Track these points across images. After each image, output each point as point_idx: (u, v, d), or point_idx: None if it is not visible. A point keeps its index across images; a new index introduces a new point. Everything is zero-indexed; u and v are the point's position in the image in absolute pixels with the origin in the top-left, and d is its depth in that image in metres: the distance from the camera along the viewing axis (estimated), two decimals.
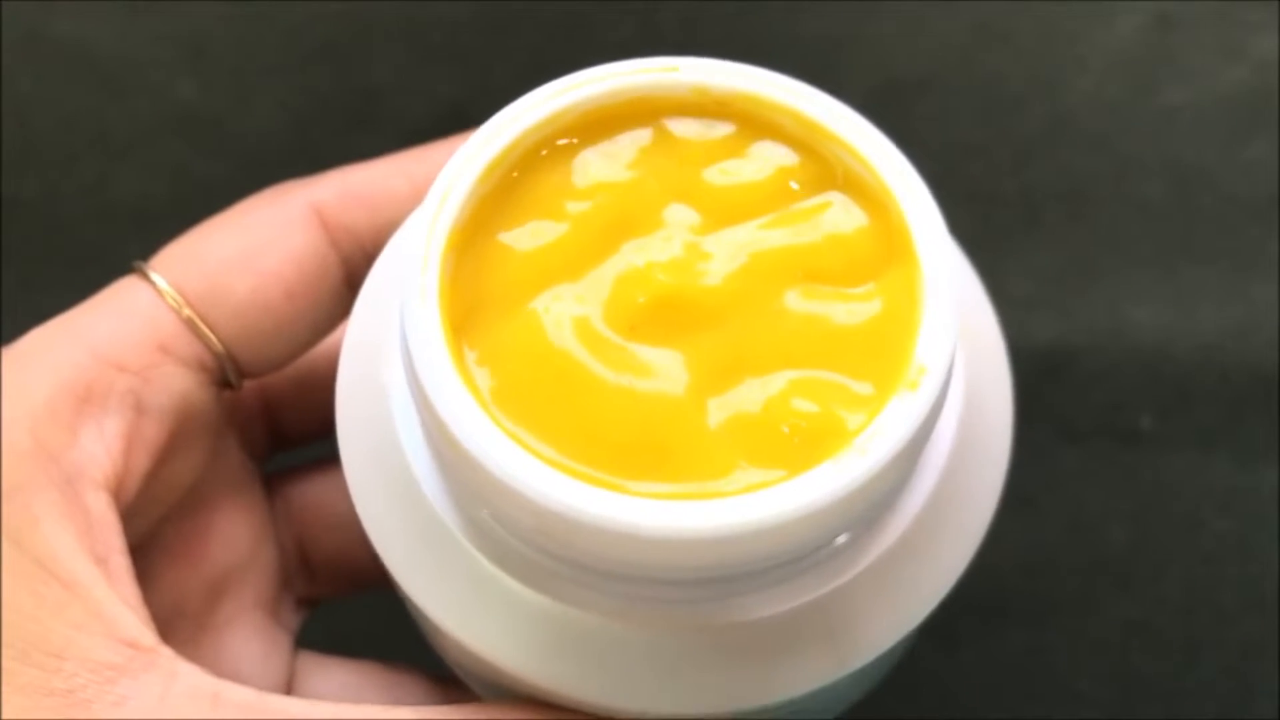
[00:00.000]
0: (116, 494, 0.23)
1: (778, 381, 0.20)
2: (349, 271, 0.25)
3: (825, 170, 0.22)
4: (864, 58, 0.38)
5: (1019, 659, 0.34)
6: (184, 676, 0.21)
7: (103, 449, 0.23)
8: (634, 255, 0.21)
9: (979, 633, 0.34)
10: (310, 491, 0.28)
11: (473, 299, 0.21)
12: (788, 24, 0.38)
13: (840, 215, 0.21)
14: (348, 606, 0.29)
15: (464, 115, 0.29)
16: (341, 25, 0.39)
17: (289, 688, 0.27)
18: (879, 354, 0.20)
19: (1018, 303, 0.36)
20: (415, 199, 0.25)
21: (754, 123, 0.22)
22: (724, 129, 0.22)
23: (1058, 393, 0.36)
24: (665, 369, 0.20)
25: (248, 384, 0.27)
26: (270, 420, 0.28)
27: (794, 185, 0.21)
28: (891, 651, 0.22)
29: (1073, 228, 0.37)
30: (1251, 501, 0.35)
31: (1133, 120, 0.38)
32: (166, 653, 0.21)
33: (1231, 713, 0.33)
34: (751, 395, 0.20)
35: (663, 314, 0.20)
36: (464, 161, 0.21)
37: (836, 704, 0.25)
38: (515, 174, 0.21)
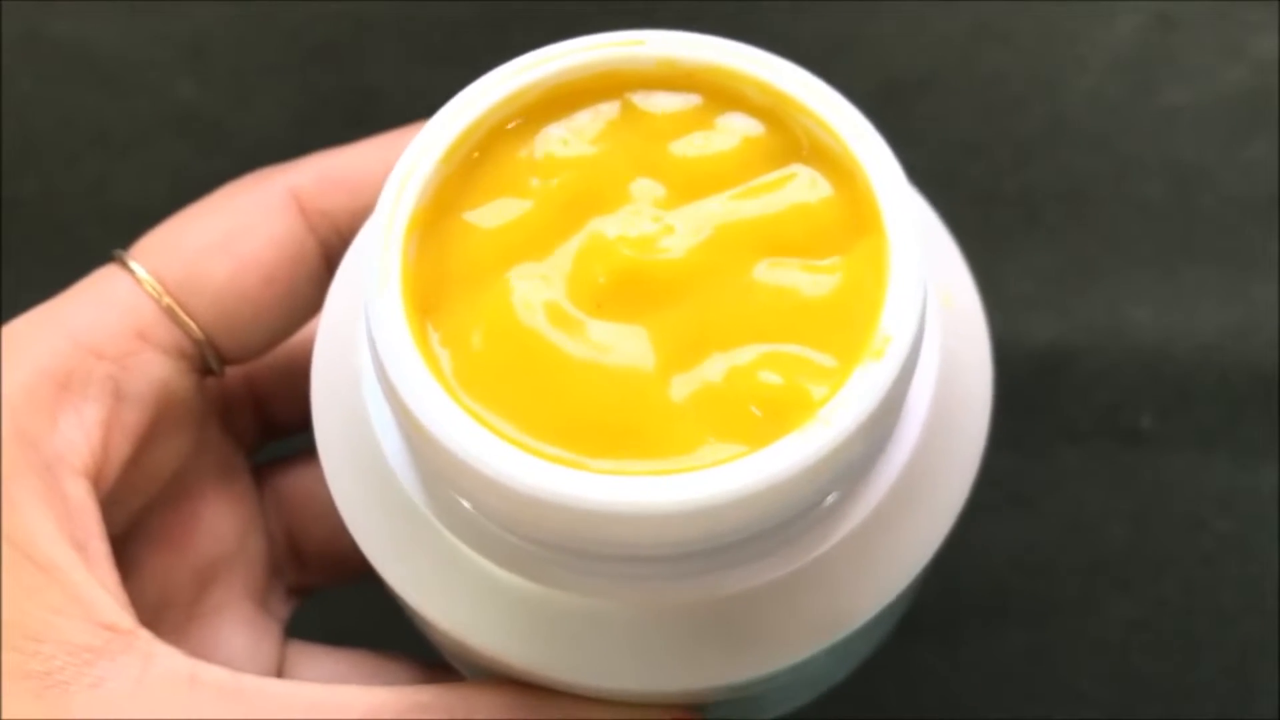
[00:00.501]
0: (96, 481, 0.23)
1: (743, 356, 0.20)
2: (328, 256, 0.25)
3: (792, 141, 0.21)
4: (864, 58, 0.38)
5: (1019, 659, 0.34)
6: (161, 658, 0.21)
7: (82, 436, 0.23)
8: (599, 231, 0.21)
9: (979, 633, 0.34)
10: (300, 481, 0.28)
11: (437, 279, 0.21)
12: (788, 24, 0.38)
13: (806, 187, 0.21)
14: (341, 598, 0.29)
15: None
16: (341, 25, 0.39)
17: (278, 676, 0.27)
18: (845, 326, 0.20)
19: (1017, 303, 0.36)
20: None
21: (721, 94, 0.22)
22: (690, 101, 0.22)
23: (1058, 393, 0.36)
24: (630, 345, 0.20)
25: (235, 373, 0.27)
26: (259, 410, 0.28)
27: (762, 157, 0.21)
28: (872, 626, 0.22)
29: (1073, 228, 0.37)
30: (1251, 501, 0.35)
31: (1133, 120, 0.38)
32: (144, 635, 0.21)
33: (1231, 713, 0.33)
34: (717, 370, 0.20)
35: (628, 290, 0.20)
36: (427, 140, 0.21)
37: (817, 682, 0.25)
38: (478, 152, 0.21)
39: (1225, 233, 0.37)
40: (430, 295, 0.20)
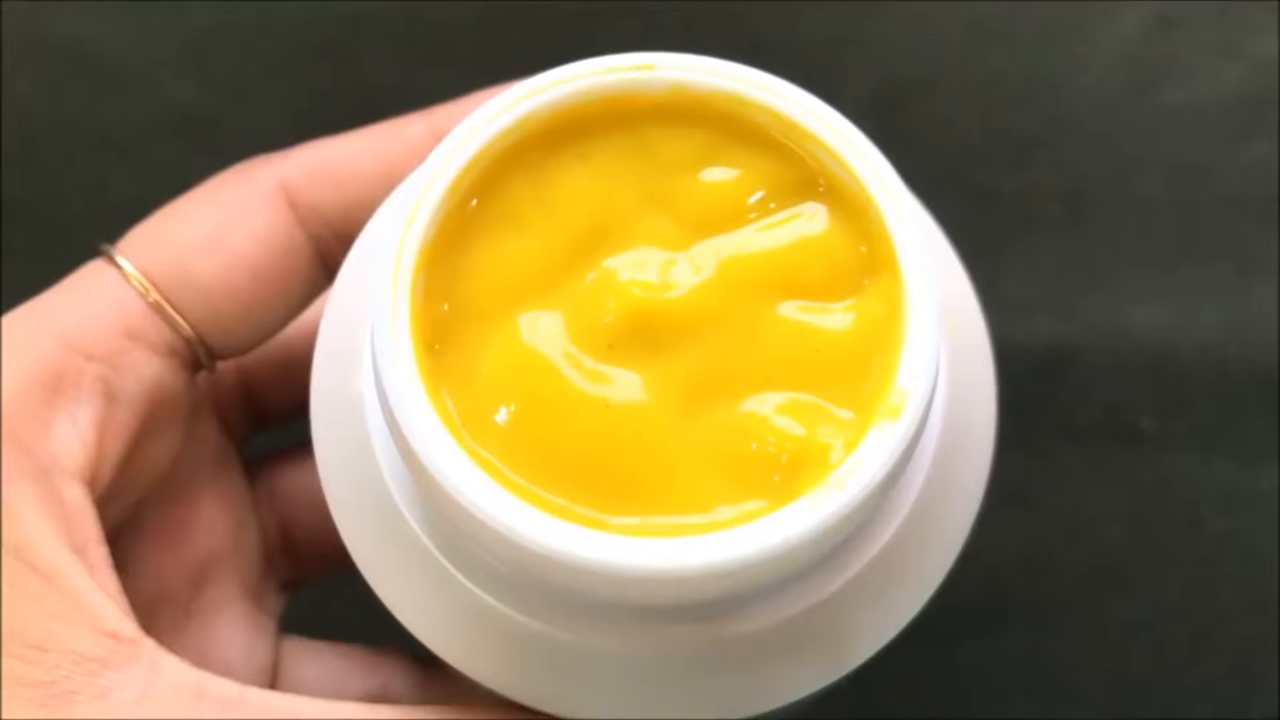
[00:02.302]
0: (91, 483, 0.23)
1: (757, 404, 0.19)
2: (318, 250, 0.25)
3: (806, 176, 0.21)
4: (864, 58, 0.38)
5: (1019, 659, 0.34)
6: (167, 669, 0.21)
7: (76, 439, 0.23)
8: (611, 271, 0.20)
9: (979, 633, 0.34)
10: (291, 473, 0.28)
11: (445, 319, 0.20)
12: (788, 24, 0.38)
13: (821, 227, 0.21)
14: (335, 591, 0.29)
15: None
16: (341, 25, 0.39)
17: (274, 672, 0.27)
18: (861, 374, 0.20)
19: (1017, 303, 0.36)
20: (384, 176, 0.25)
21: (733, 124, 0.21)
22: (703, 132, 0.21)
23: (1058, 393, 0.36)
24: (643, 393, 0.19)
25: (226, 366, 0.26)
26: (250, 402, 0.28)
27: (775, 193, 0.21)
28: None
29: (1073, 228, 0.37)
30: (1251, 501, 0.35)
31: (1133, 120, 0.38)
32: (149, 644, 0.21)
33: (1231, 713, 0.33)
34: (731, 419, 0.19)
35: (641, 333, 0.20)
36: (432, 171, 0.20)
37: (818, 695, 0.25)
38: (485, 184, 0.21)
39: (1225, 233, 0.37)
40: (438, 337, 0.20)
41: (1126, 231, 0.37)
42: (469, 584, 0.21)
